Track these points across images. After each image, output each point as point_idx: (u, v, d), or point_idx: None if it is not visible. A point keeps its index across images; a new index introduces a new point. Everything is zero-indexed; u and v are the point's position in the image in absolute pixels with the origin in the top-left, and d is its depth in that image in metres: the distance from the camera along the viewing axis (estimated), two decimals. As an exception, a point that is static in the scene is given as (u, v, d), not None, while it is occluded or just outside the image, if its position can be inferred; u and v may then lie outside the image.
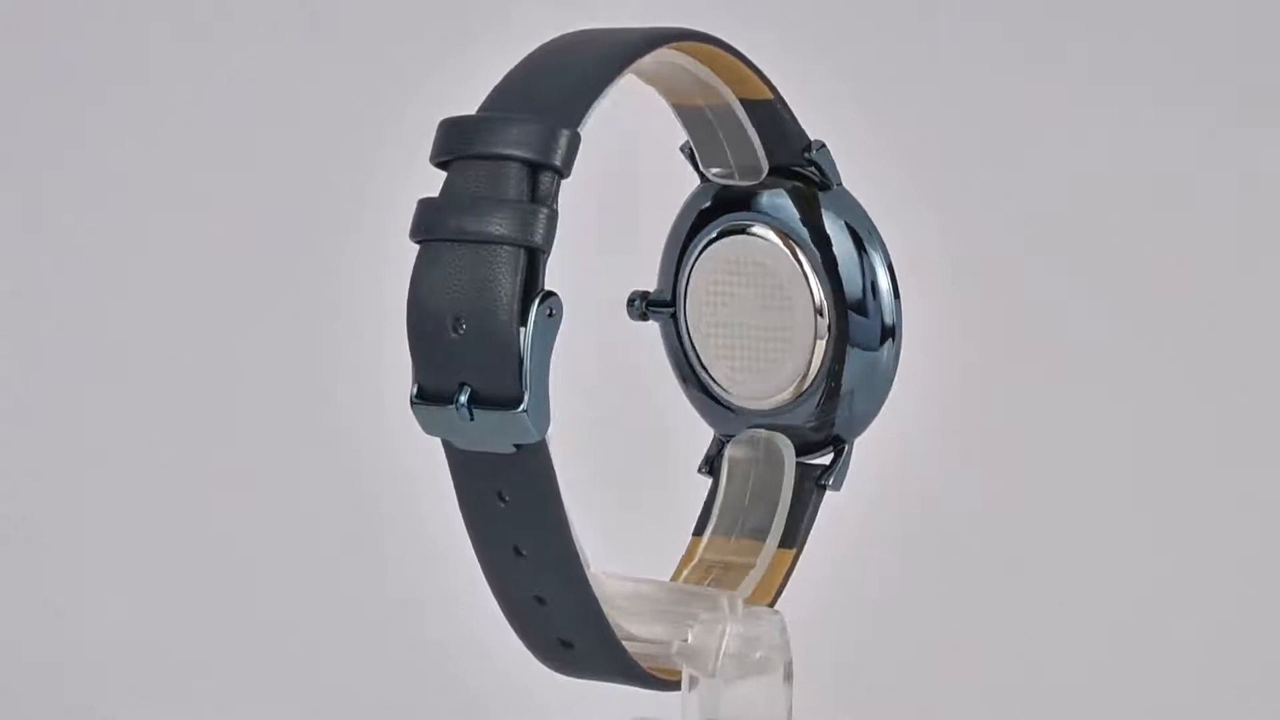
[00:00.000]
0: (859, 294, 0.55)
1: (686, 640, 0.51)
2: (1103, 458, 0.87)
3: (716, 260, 0.57)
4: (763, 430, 0.57)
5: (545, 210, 0.46)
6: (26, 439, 0.87)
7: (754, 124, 0.54)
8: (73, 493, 0.86)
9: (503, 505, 0.49)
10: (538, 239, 0.46)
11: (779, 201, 0.55)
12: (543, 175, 0.47)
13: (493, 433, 0.47)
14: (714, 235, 0.57)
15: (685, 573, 0.56)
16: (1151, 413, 0.88)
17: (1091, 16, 0.89)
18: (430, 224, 0.47)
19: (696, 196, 0.58)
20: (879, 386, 0.56)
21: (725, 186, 0.57)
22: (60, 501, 0.86)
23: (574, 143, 0.47)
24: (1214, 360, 0.88)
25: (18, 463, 0.87)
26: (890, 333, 0.55)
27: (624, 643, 0.51)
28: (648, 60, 0.51)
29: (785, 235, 0.55)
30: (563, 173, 0.47)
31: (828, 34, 0.85)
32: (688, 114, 0.55)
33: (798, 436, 0.57)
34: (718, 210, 0.57)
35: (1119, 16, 0.89)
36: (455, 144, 0.48)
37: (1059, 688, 0.82)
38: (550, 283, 0.47)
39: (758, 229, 0.56)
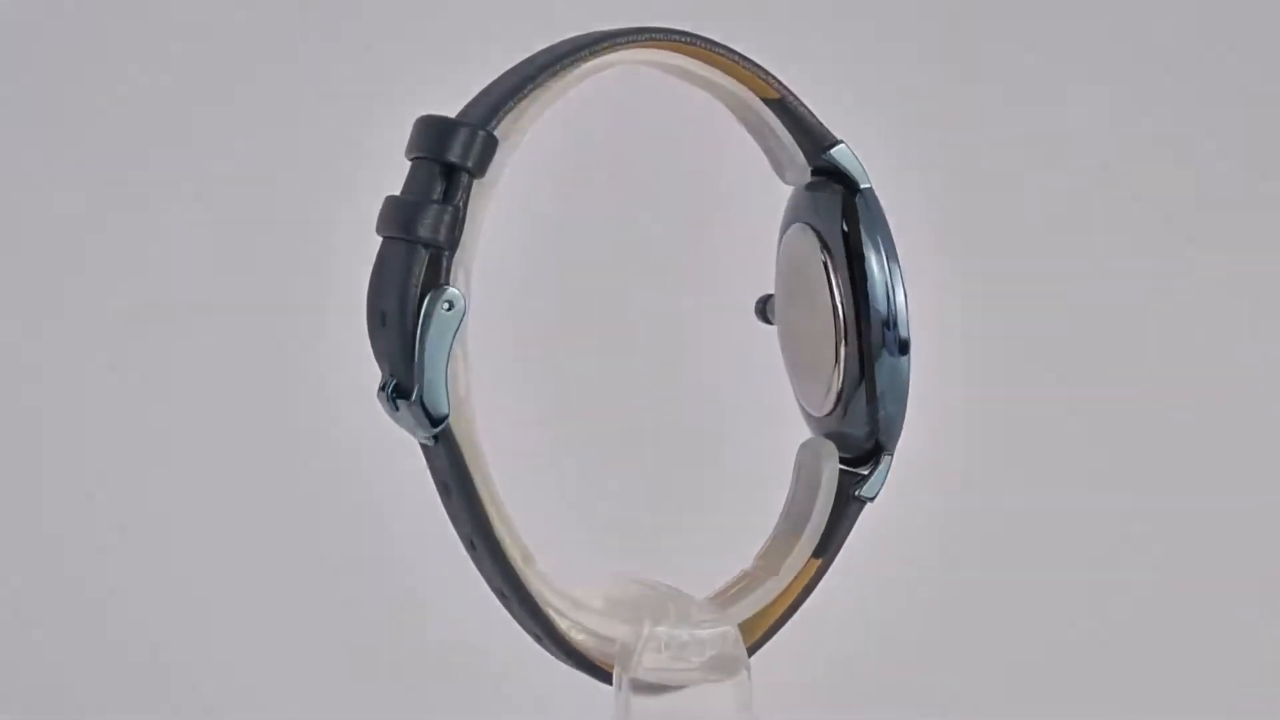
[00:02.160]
0: (885, 301, 0.53)
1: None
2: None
3: (778, 266, 0.56)
4: (817, 437, 0.56)
5: (450, 209, 0.48)
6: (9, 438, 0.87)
7: (782, 124, 0.53)
8: (73, 491, 0.86)
9: (448, 497, 0.51)
10: (440, 237, 0.48)
11: (817, 204, 0.54)
12: (458, 176, 0.48)
13: (410, 423, 0.49)
14: (782, 241, 0.56)
15: (731, 578, 0.56)
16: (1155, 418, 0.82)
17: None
18: (379, 221, 0.50)
19: (786, 200, 0.57)
20: (902, 392, 0.53)
21: (795, 189, 0.55)
22: (59, 499, 0.86)
23: (487, 145, 0.48)
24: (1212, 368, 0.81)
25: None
26: (907, 345, 0.53)
27: (596, 642, 0.52)
28: (667, 63, 0.52)
29: (819, 238, 0.54)
30: (474, 173, 0.48)
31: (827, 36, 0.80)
32: (738, 116, 0.54)
33: (853, 444, 0.55)
34: (787, 214, 0.56)
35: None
36: (410, 143, 0.50)
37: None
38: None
39: (800, 234, 0.54)
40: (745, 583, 0.55)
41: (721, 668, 0.51)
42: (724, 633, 0.51)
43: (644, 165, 0.74)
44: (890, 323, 0.53)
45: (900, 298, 0.53)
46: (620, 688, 0.51)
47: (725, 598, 0.54)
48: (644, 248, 0.76)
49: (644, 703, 0.50)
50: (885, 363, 0.53)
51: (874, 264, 0.53)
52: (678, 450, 0.77)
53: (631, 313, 0.76)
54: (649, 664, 0.50)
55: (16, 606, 0.84)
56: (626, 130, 0.69)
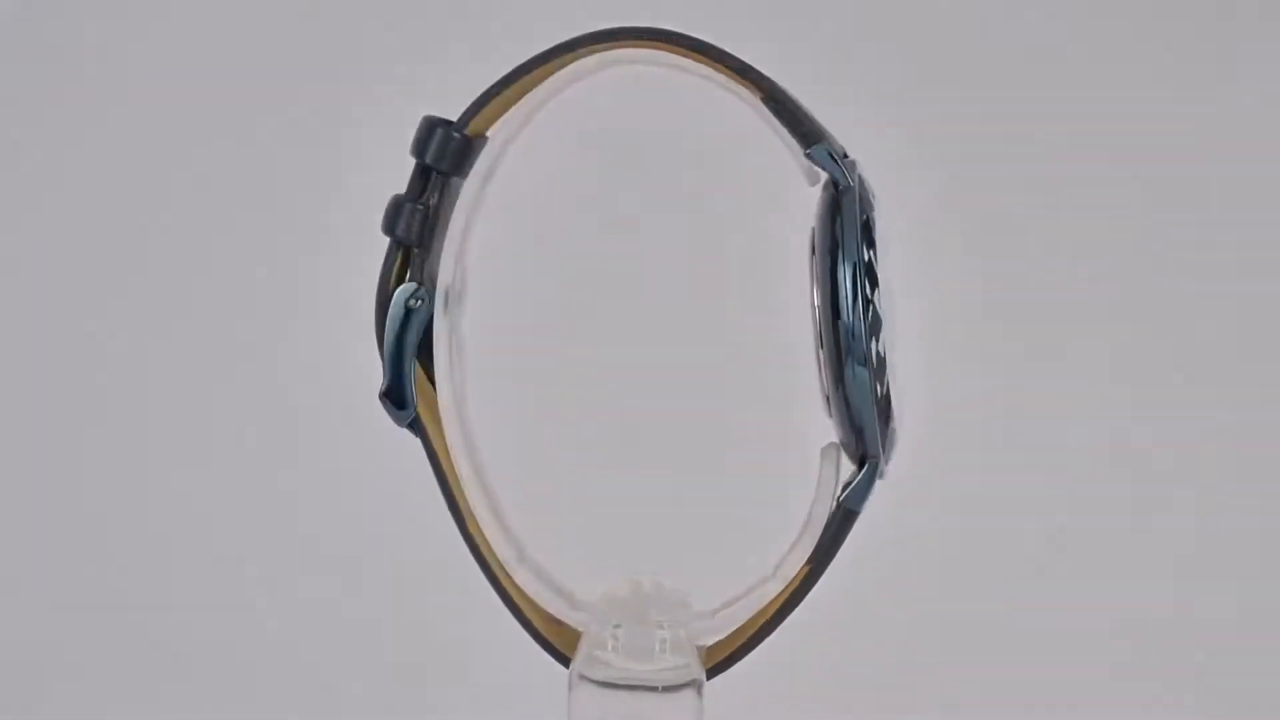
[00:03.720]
0: (848, 310, 0.51)
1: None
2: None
3: None
4: (832, 442, 0.55)
5: (421, 208, 0.50)
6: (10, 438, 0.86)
7: (779, 121, 0.52)
8: (77, 489, 0.86)
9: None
10: (412, 235, 0.51)
11: (819, 205, 0.53)
12: (433, 175, 0.51)
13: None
14: None
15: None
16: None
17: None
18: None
19: None
20: (868, 400, 0.51)
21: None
22: (61, 499, 0.86)
23: (462, 145, 0.50)
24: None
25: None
26: (865, 356, 0.51)
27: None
28: (656, 61, 0.52)
29: (811, 240, 0.52)
30: (448, 173, 0.50)
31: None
32: (758, 114, 0.54)
33: (850, 451, 0.53)
34: None
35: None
36: (412, 143, 0.52)
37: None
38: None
39: (809, 237, 0.53)
40: (752, 586, 0.55)
41: (676, 674, 0.51)
42: (677, 639, 0.51)
43: (662, 163, 0.74)
44: (853, 332, 0.51)
45: (860, 307, 0.50)
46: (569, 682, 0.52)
47: (727, 601, 0.54)
48: (659, 246, 0.75)
49: (586, 696, 0.51)
50: (851, 370, 0.51)
51: (843, 270, 0.51)
52: (735, 452, 0.77)
53: (649, 313, 0.76)
54: (594, 659, 0.51)
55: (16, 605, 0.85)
56: (642, 129, 0.69)
